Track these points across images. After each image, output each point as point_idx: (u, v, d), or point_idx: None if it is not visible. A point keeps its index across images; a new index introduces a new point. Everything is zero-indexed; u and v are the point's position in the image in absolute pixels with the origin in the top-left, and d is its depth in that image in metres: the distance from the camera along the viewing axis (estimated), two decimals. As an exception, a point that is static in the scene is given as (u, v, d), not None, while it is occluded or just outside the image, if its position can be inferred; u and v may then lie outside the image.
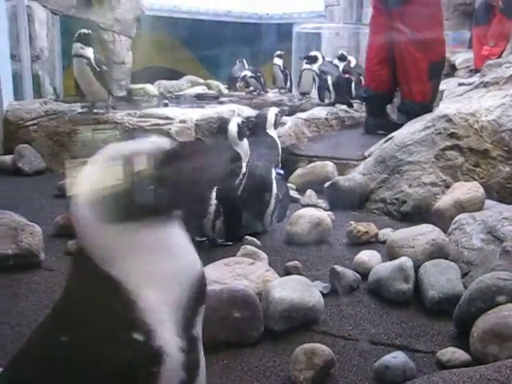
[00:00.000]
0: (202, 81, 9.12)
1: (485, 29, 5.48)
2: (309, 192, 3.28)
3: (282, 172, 2.88)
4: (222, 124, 2.73)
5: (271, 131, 3.01)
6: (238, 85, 8.44)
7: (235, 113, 3.92)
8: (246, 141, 2.65)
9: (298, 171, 3.60)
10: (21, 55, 6.29)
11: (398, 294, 2.01)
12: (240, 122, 2.63)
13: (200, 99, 7.85)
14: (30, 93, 6.14)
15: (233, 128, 2.60)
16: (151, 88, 8.43)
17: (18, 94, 5.82)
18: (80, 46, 4.29)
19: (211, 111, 4.04)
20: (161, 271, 0.89)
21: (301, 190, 3.40)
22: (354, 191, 3.17)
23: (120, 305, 0.85)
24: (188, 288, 0.91)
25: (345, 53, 6.81)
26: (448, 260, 2.13)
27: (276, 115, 3.04)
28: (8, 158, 3.84)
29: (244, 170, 2.59)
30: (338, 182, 3.20)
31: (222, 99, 7.33)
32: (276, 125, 3.01)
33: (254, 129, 3.02)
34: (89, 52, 4.28)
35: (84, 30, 4.41)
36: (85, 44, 4.31)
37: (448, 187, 2.92)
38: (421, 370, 1.59)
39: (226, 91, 8.39)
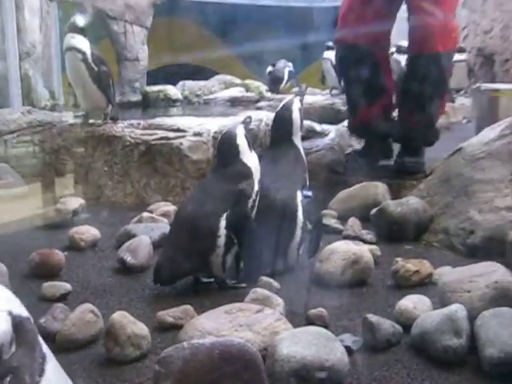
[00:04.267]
0: (238, 81, 9.24)
1: None
2: (351, 221, 3.30)
3: (310, 194, 2.90)
4: (225, 136, 2.76)
5: (297, 139, 3.04)
6: (281, 86, 8.55)
7: (263, 122, 3.96)
8: (254, 153, 2.71)
9: (341, 194, 3.63)
10: (6, 53, 6.48)
11: (447, 352, 2.00)
12: (245, 132, 2.71)
13: (235, 104, 7.98)
14: (18, 99, 6.33)
15: (241, 139, 2.67)
16: (173, 90, 8.58)
17: (2, 100, 6.01)
18: (71, 37, 4.33)
19: (233, 121, 4.07)
20: None
21: (343, 217, 3.42)
22: (408, 219, 3.19)
23: None
24: None
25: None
26: (515, 308, 2.11)
27: (300, 110, 3.10)
28: (-20, 180, 3.98)
29: (256, 188, 2.63)
30: (387, 208, 3.22)
31: (261, 104, 7.42)
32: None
33: (274, 136, 3.09)
34: (84, 45, 4.32)
35: (78, 17, 4.46)
36: (79, 34, 4.34)
37: (529, 212, 2.91)
38: None
39: (267, 94, 8.48)
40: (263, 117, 4.06)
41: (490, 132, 3.38)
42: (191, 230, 2.52)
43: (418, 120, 3.88)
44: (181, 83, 8.91)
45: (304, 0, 11.16)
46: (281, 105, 3.17)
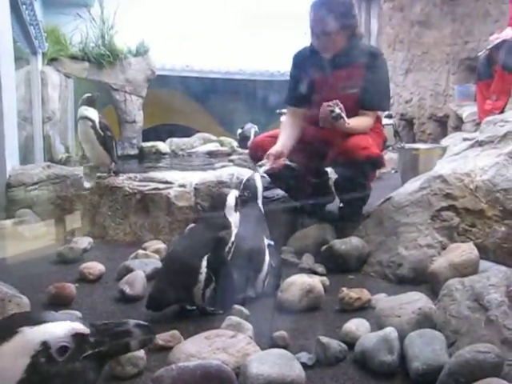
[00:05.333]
0: (214, 138, 9.26)
1: (487, 83, 5.55)
2: (306, 256, 3.29)
3: (272, 243, 2.93)
4: (219, 194, 2.83)
5: (260, 201, 3.11)
6: (249, 143, 8.59)
7: (234, 176, 3.95)
8: (238, 213, 2.73)
9: (297, 234, 3.60)
10: (33, 118, 6.52)
11: (383, 366, 1.98)
12: (237, 195, 2.76)
13: (212, 156, 8.01)
14: (40, 154, 6.35)
15: (231, 200, 2.70)
16: (162, 146, 8.59)
17: (29, 155, 5.99)
18: (85, 109, 4.38)
19: (211, 175, 4.06)
20: None
21: (299, 253, 3.40)
22: (351, 254, 3.17)
23: None
24: None
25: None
26: (435, 329, 2.10)
27: (260, 181, 3.18)
28: (9, 223, 3.89)
29: (233, 239, 2.63)
30: (334, 246, 3.19)
31: (233, 157, 7.44)
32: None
33: (243, 199, 3.07)
34: (93, 115, 4.36)
35: (89, 94, 4.52)
36: (90, 107, 4.40)
37: (444, 248, 2.92)
38: None
39: (238, 149, 8.53)
40: (235, 172, 4.04)
41: (412, 185, 3.40)
42: (179, 267, 2.50)
43: (353, 201, 3.72)
44: (169, 140, 8.90)
45: (266, 75, 11.29)
46: (246, 178, 3.22)
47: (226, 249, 2.58)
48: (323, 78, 3.62)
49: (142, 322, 1.05)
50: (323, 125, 3.40)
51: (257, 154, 3.52)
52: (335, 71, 3.57)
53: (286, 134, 3.63)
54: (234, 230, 2.65)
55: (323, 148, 3.60)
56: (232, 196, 2.73)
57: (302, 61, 3.72)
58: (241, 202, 2.92)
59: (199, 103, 11.09)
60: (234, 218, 2.68)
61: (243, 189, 3.15)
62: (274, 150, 3.44)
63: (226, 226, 2.63)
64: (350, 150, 3.38)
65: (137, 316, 2.53)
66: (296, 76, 3.76)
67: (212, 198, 2.84)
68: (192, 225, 3.61)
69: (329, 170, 4.04)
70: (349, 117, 3.37)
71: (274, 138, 3.61)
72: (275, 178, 3.66)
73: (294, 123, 3.71)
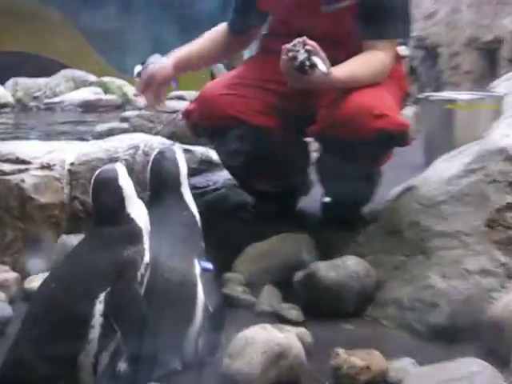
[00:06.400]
0: (92, 78, 9.12)
1: None
2: (267, 290, 3.26)
3: (210, 267, 2.86)
4: (102, 178, 2.62)
5: (186, 192, 2.98)
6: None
7: (139, 149, 3.83)
8: (141, 202, 2.62)
9: (250, 251, 3.56)
10: None
11: None
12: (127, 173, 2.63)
13: (90, 111, 7.87)
14: None
15: (124, 180, 2.57)
16: (1, 91, 8.38)
17: None
18: None
19: (97, 147, 3.91)
20: None
21: (255, 284, 3.37)
22: (346, 287, 3.14)
23: None
24: None
25: None
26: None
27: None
28: None
29: (147, 256, 2.52)
30: (317, 273, 3.16)
31: (129, 113, 7.22)
32: None
33: (155, 190, 2.97)
34: None
35: None
36: None
37: (512, 277, 2.93)
38: None
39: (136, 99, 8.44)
40: (139, 142, 3.91)
41: (450, 164, 3.40)
42: (52, 319, 2.36)
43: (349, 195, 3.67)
44: (12, 81, 8.69)
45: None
46: (157, 151, 3.08)
47: (138, 277, 2.47)
48: None
49: None
50: (291, 83, 3.33)
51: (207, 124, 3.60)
52: None
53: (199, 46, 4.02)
54: (147, 239, 2.54)
55: (303, 106, 3.60)
56: (123, 172, 2.58)
57: None
58: (152, 194, 2.87)
59: (64, 15, 10.94)
60: (138, 212, 2.56)
61: (152, 170, 3.01)
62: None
63: (134, 234, 2.51)
64: (353, 120, 3.31)
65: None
66: None
67: (93, 188, 2.68)
68: (64, 236, 3.57)
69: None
70: (344, 55, 3.33)
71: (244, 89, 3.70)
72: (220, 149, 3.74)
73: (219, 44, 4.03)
